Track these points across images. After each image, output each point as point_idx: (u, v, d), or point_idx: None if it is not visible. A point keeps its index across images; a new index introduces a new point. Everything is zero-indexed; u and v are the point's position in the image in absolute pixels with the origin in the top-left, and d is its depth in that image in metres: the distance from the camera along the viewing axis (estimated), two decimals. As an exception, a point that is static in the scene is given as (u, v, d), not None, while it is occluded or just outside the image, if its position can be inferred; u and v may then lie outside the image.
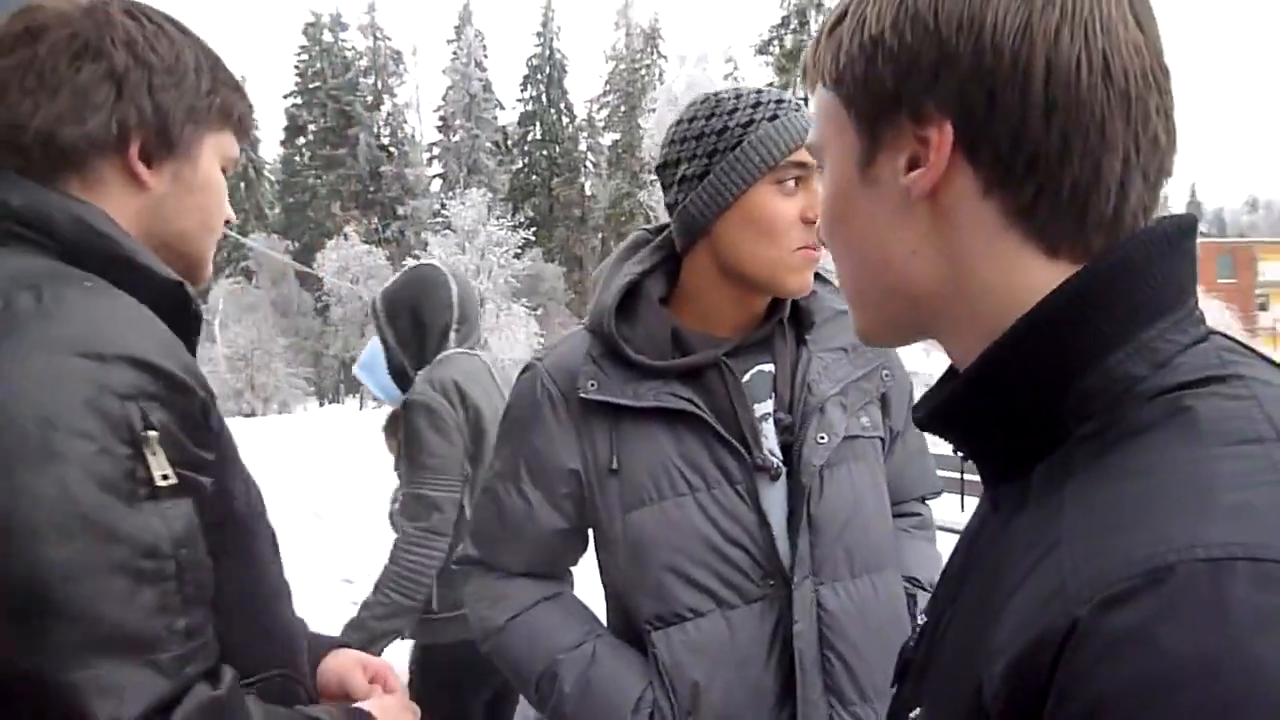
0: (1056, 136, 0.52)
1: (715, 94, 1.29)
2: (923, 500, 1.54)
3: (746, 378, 1.31)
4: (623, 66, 29.62)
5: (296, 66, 54.49)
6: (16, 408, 0.72)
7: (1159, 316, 0.52)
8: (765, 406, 1.31)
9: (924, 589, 1.39)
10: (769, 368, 1.32)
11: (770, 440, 1.29)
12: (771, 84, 22.66)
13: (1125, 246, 0.53)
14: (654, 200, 31.25)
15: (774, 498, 1.27)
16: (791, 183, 1.23)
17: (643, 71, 28.61)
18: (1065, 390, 0.53)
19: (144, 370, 0.78)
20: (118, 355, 0.77)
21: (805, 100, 0.77)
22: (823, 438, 1.28)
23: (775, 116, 1.22)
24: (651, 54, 33.07)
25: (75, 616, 0.69)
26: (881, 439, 1.39)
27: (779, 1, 25.28)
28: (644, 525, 1.26)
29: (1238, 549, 0.39)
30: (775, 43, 24.46)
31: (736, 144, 1.22)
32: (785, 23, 24.78)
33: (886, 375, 1.37)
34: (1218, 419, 0.47)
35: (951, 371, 0.63)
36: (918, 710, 0.58)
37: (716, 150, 1.23)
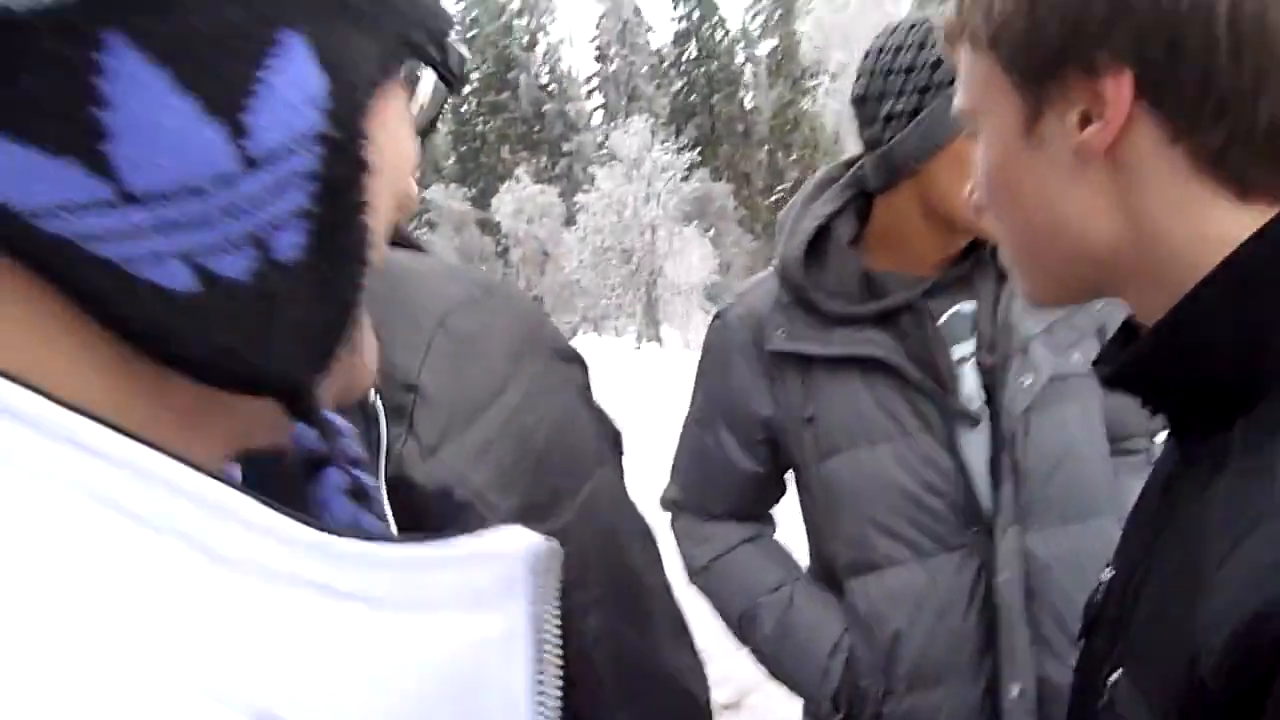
0: (1249, 75, 0.50)
1: (924, 22, 1.20)
2: (1151, 436, 1.36)
3: (944, 319, 1.24)
4: (774, -33, 28.37)
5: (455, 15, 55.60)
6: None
7: None
8: (965, 348, 1.24)
9: None
10: (970, 306, 1.24)
11: (970, 384, 1.23)
12: None
13: None
14: (817, 107, 29.36)
15: (976, 444, 1.22)
16: None
17: None
18: (1267, 343, 0.51)
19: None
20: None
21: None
22: (1026, 380, 1.20)
23: None
24: None
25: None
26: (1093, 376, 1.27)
27: None
28: (839, 474, 1.24)
29: None
30: None
31: (953, 80, 1.14)
32: None
33: (1101, 307, 1.22)
34: None
35: (1129, 324, 0.62)
36: (1119, 672, 0.57)
37: (930, 86, 1.15)
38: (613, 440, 0.74)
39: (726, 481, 1.37)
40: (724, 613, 1.38)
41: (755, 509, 1.44)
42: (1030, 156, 0.58)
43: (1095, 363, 0.64)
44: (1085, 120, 0.55)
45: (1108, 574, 0.68)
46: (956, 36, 0.62)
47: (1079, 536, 1.21)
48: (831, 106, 27.01)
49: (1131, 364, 0.57)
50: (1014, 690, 1.18)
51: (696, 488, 1.42)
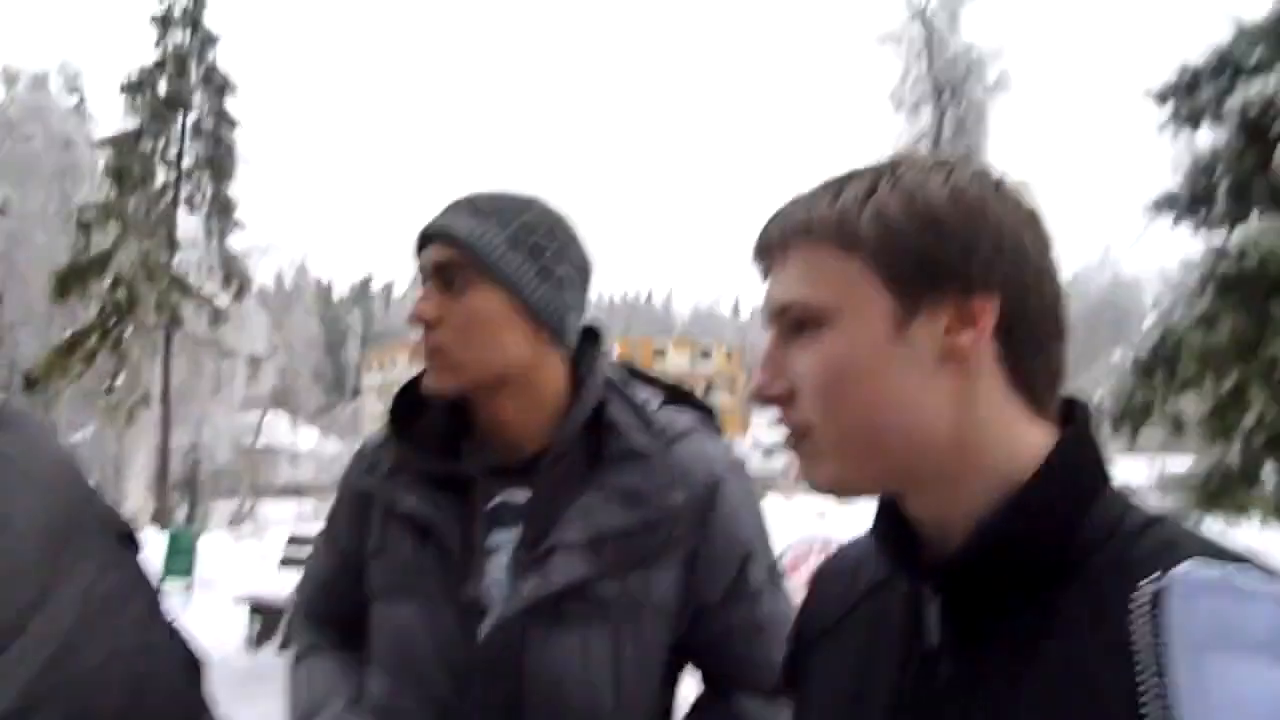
0: (1060, 322, 0.69)
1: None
2: (758, 691, 1.22)
3: (493, 503, 1.22)
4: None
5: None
6: None
7: (1106, 477, 0.68)
8: (505, 536, 1.20)
9: None
10: (522, 497, 1.21)
11: (494, 573, 1.19)
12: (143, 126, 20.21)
13: (1081, 414, 0.69)
14: None
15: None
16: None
17: None
18: (1072, 531, 0.64)
19: None
20: None
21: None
22: (529, 586, 1.14)
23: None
24: None
25: None
26: (665, 608, 1.19)
27: (154, 41, 21.14)
28: (381, 618, 1.25)
29: None
30: (148, 86, 20.69)
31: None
32: (161, 66, 21.01)
33: (680, 531, 1.17)
34: (1200, 547, 0.61)
35: (893, 518, 0.73)
36: None
37: None
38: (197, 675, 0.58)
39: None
40: None
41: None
42: (896, 352, 0.67)
43: (891, 560, 0.74)
44: (949, 329, 0.66)
45: None
46: (804, 237, 0.69)
47: None
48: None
49: (972, 550, 0.66)
50: None
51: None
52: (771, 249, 0.72)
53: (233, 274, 21.09)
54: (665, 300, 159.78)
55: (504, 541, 1.20)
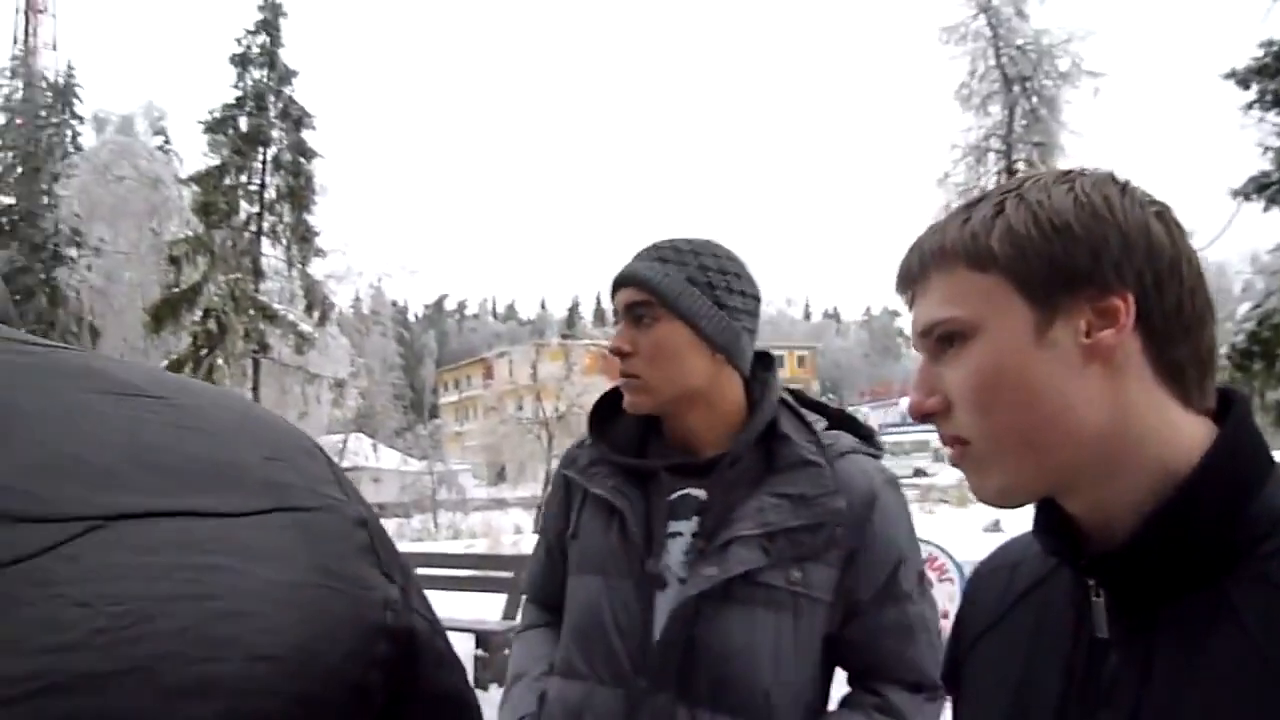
0: (1200, 309, 0.70)
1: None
2: (908, 686, 1.39)
3: (674, 495, 1.41)
4: (20, 121, 24.56)
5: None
6: None
7: (1272, 462, 0.69)
8: (685, 525, 1.39)
9: None
10: (701, 493, 1.40)
11: (674, 555, 1.38)
12: (226, 162, 20.61)
13: (1240, 403, 0.72)
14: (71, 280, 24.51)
15: (662, 609, 1.36)
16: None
17: (49, 131, 24.23)
18: (1240, 518, 0.66)
19: None
20: None
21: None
22: (709, 570, 1.32)
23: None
24: (62, 110, 27.66)
25: None
26: (823, 600, 1.35)
27: (236, 80, 21.61)
28: (574, 588, 1.47)
29: None
30: (230, 123, 21.16)
31: None
32: (241, 103, 21.43)
33: (841, 533, 1.34)
34: None
35: (1053, 515, 0.76)
36: None
37: None
38: None
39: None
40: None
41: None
42: (1041, 355, 0.70)
43: (1055, 554, 0.77)
44: (1089, 329, 0.69)
45: None
46: (940, 262, 0.75)
47: None
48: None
49: (1138, 544, 0.68)
50: None
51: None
52: (913, 276, 0.78)
53: (314, 301, 21.73)
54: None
55: (682, 529, 1.39)
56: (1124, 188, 0.72)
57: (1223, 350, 10.81)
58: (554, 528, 1.57)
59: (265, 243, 21.60)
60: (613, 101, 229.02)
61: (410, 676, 0.47)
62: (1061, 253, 0.69)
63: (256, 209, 21.47)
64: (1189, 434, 0.69)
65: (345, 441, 31.09)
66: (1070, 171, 0.74)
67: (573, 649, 1.43)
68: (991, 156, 23.34)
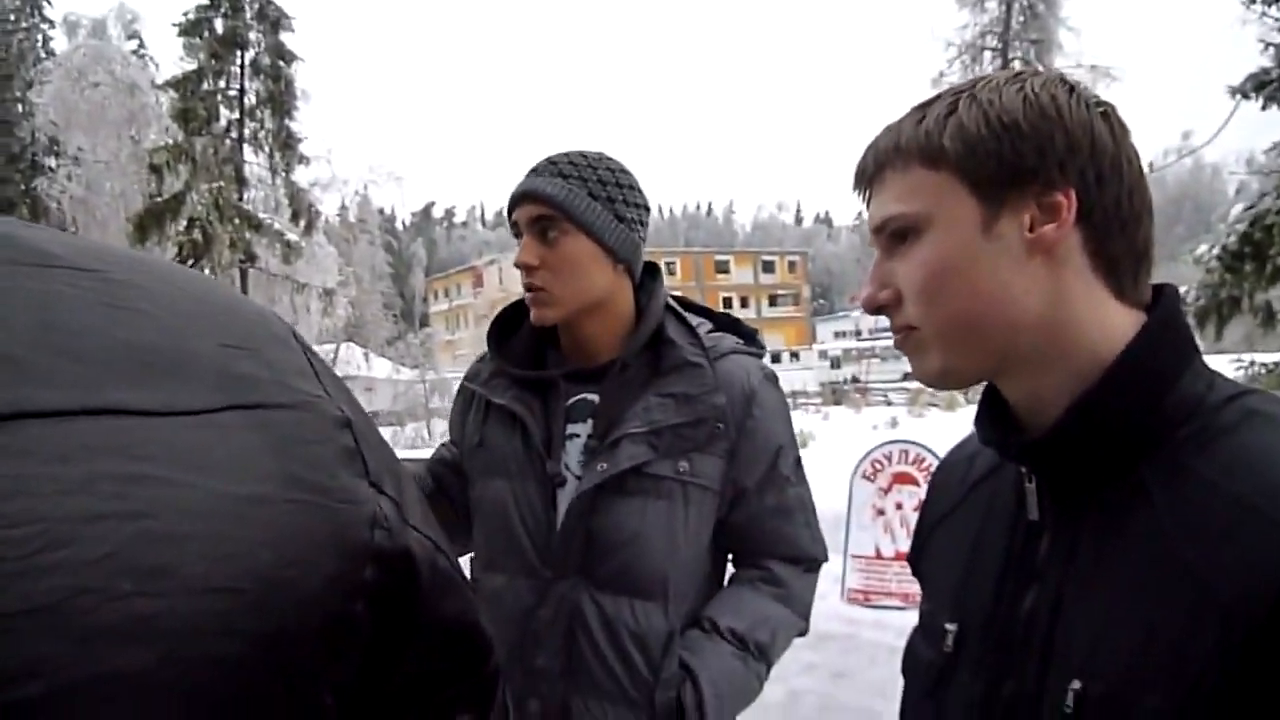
0: (1137, 207, 0.73)
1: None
2: (788, 560, 1.57)
3: (572, 400, 1.52)
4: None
5: None
6: None
7: (1194, 352, 0.73)
8: (582, 428, 1.50)
9: (719, 631, 1.47)
10: (595, 397, 1.50)
11: (572, 455, 1.49)
12: (203, 66, 19.74)
13: (1169, 296, 0.75)
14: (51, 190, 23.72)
15: (565, 504, 1.47)
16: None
17: (20, 36, 22.56)
18: (1158, 406, 0.70)
19: None
20: None
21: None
22: (601, 465, 1.43)
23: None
24: (31, 14, 27.12)
25: None
26: (711, 489, 1.47)
27: None
28: (483, 494, 1.56)
29: None
30: (205, 25, 20.12)
31: None
32: (215, 4, 20.39)
33: (720, 428, 1.45)
34: None
35: (995, 407, 0.80)
36: (1076, 683, 0.68)
37: None
38: None
39: None
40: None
41: None
42: (988, 248, 0.73)
43: (988, 443, 0.80)
44: (1032, 224, 0.72)
45: (949, 626, 0.83)
46: (895, 160, 0.77)
47: (625, 608, 1.43)
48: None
49: (1063, 429, 0.72)
50: (533, 705, 1.43)
51: None
52: (869, 174, 0.80)
53: (300, 209, 21.45)
54: (726, 211, 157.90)
55: (579, 431, 1.50)
56: (1072, 89, 0.74)
57: (1214, 251, 10.81)
58: (457, 434, 1.68)
59: (247, 150, 21.21)
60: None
61: (406, 606, 0.39)
62: (1009, 150, 0.72)
63: (236, 115, 21.01)
64: (1119, 325, 0.73)
65: (337, 351, 31.14)
66: (1022, 72, 0.77)
67: (486, 547, 1.54)
68: (988, 55, 22.88)
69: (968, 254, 0.74)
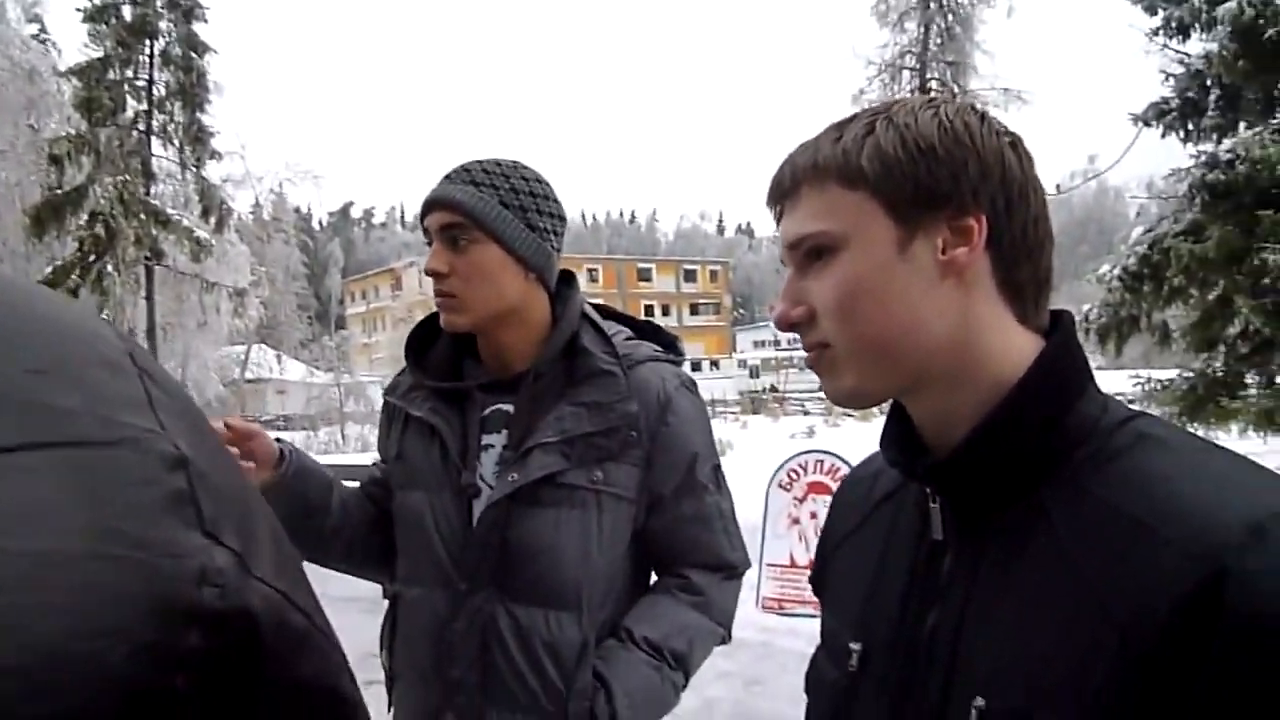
0: (1041, 235, 0.76)
1: None
2: (707, 568, 1.56)
3: (488, 411, 1.52)
4: None
5: None
6: None
7: (1089, 377, 0.75)
8: (497, 438, 1.50)
9: (634, 641, 1.47)
10: (510, 407, 1.51)
11: (487, 466, 1.50)
12: (109, 55, 19.26)
13: (1066, 322, 0.77)
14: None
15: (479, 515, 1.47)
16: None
17: None
18: (1056, 428, 0.72)
19: None
20: None
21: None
22: (512, 476, 1.43)
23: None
24: None
25: None
26: (626, 498, 1.47)
27: None
28: (403, 504, 1.56)
29: None
30: (112, 11, 19.65)
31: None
32: None
33: (634, 435, 1.45)
34: (1171, 437, 0.71)
35: (901, 424, 0.82)
36: (979, 699, 0.69)
37: None
38: None
39: None
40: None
41: None
42: (902, 268, 0.75)
43: (894, 464, 0.81)
44: (944, 247, 0.74)
45: (854, 645, 0.83)
46: (812, 178, 0.77)
47: (539, 619, 1.43)
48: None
49: (969, 448, 0.74)
50: (449, 718, 1.45)
51: None
52: (785, 190, 0.80)
53: (211, 205, 20.76)
54: (649, 219, 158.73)
55: (494, 442, 1.50)
56: (983, 116, 0.77)
57: (1115, 272, 11.26)
58: (382, 450, 1.69)
59: (156, 143, 20.45)
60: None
61: (246, 672, 0.33)
62: (925, 173, 0.74)
63: (145, 106, 20.23)
64: (1021, 348, 0.75)
65: (248, 353, 30.24)
66: (935, 98, 0.79)
67: (404, 559, 1.55)
68: (906, 74, 23.46)
69: (884, 274, 0.75)
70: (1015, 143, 0.77)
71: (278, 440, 1.51)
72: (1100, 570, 0.64)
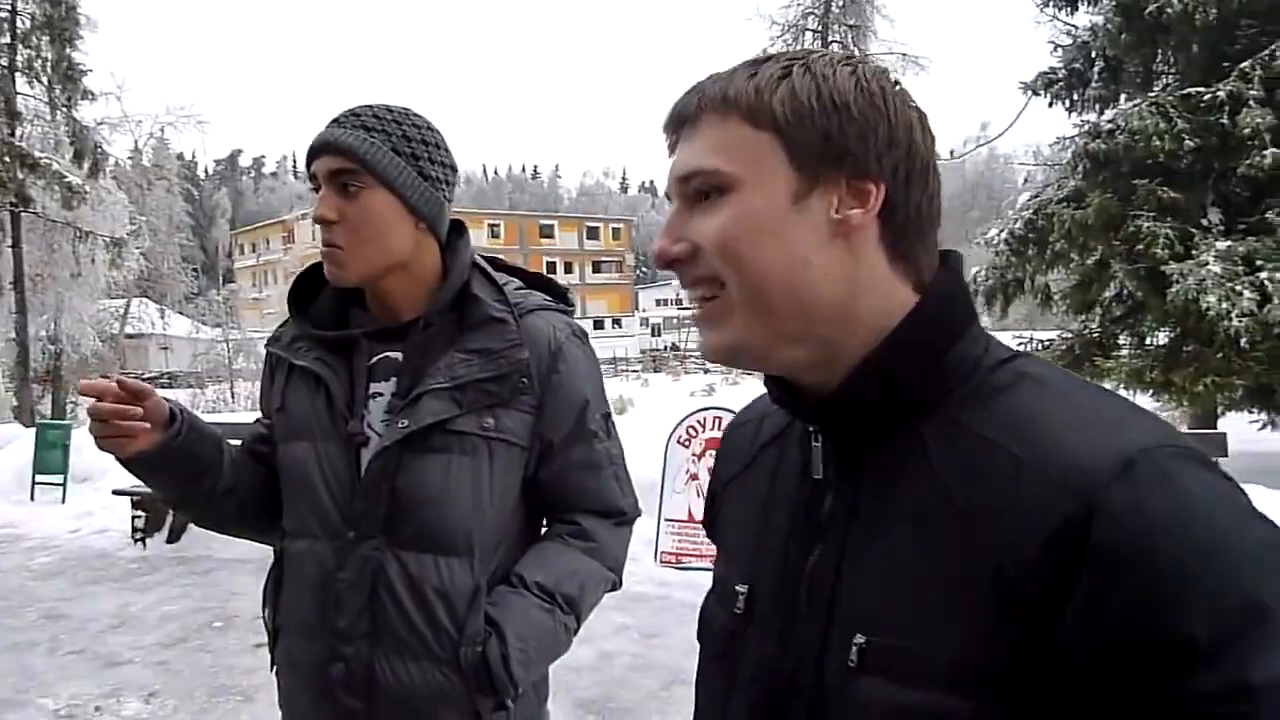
0: (934, 213, 0.77)
1: None
2: (597, 514, 1.56)
3: (375, 359, 1.49)
4: None
5: None
6: None
7: (971, 318, 0.76)
8: (385, 386, 1.47)
9: (526, 586, 1.46)
10: (398, 355, 1.48)
11: (375, 413, 1.46)
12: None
13: (953, 263, 0.78)
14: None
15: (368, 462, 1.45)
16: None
17: None
18: (937, 365, 0.73)
19: None
20: None
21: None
22: (402, 423, 1.41)
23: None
24: None
25: None
26: (517, 444, 1.46)
27: None
28: (286, 457, 1.52)
29: (1158, 441, 0.62)
30: None
31: None
32: None
33: (525, 382, 1.45)
34: (1050, 376, 0.72)
35: (776, 381, 0.81)
36: (860, 637, 0.70)
37: None
38: None
39: None
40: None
41: None
42: (795, 219, 0.73)
43: (779, 402, 0.81)
44: (841, 204, 0.73)
45: (740, 587, 0.84)
46: (719, 109, 0.75)
47: (429, 565, 1.41)
48: None
49: (847, 390, 0.74)
50: (337, 669, 1.42)
51: None
52: (685, 119, 0.77)
53: (83, 149, 19.51)
54: (552, 176, 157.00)
55: (383, 390, 1.48)
56: (896, 84, 0.76)
57: (1002, 236, 11.68)
58: (264, 403, 1.64)
59: (20, 80, 19.04)
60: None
61: None
62: (836, 129, 0.73)
63: (6, 39, 18.80)
64: (904, 303, 0.75)
65: (127, 306, 28.78)
66: (853, 58, 0.78)
67: (290, 511, 1.51)
68: (808, 35, 23.66)
69: (776, 219, 0.73)
70: (923, 117, 0.77)
71: (166, 400, 1.43)
72: (975, 505, 0.65)
